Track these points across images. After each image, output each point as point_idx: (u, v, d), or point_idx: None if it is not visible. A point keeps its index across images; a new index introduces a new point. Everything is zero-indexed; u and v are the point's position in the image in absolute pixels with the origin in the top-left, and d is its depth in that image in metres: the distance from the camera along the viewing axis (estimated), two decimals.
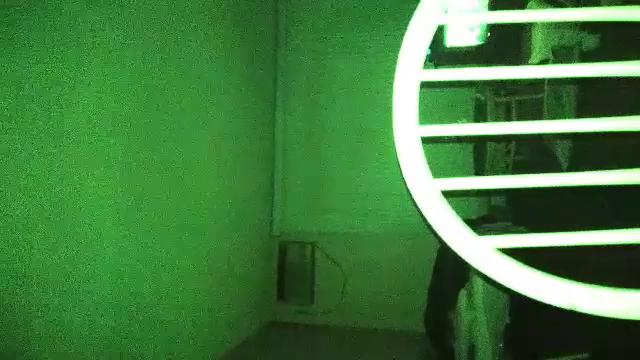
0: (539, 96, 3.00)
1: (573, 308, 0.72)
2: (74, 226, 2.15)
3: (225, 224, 3.79)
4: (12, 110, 1.83)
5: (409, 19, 0.77)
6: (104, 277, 2.34)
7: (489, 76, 0.81)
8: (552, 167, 2.78)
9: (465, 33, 3.37)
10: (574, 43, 2.53)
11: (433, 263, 3.70)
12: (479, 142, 4.00)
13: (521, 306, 2.66)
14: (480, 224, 3.37)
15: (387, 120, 0.85)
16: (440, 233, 0.78)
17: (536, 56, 2.75)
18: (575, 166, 2.64)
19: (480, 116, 4.06)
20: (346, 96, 4.91)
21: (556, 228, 0.75)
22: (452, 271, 3.05)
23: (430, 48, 0.82)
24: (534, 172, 0.76)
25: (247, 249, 4.31)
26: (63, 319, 2.08)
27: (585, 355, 2.37)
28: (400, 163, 0.79)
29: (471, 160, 4.30)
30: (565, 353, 2.45)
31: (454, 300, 2.98)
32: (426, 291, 3.78)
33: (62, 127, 2.07)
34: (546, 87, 2.81)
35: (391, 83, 0.78)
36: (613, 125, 0.74)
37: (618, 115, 0.73)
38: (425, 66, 0.78)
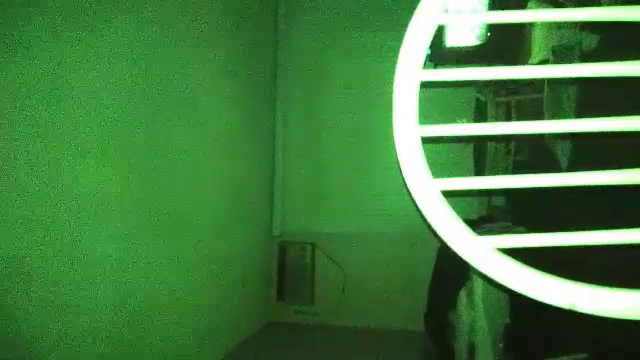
0: (539, 96, 3.00)
1: (573, 308, 0.72)
2: (74, 227, 2.15)
3: (225, 224, 3.79)
4: (13, 110, 1.83)
5: (409, 19, 0.77)
6: (104, 278, 2.34)
7: (489, 76, 0.81)
8: (552, 167, 2.78)
9: (465, 33, 3.37)
10: (574, 43, 2.53)
11: (433, 263, 3.70)
12: (479, 142, 4.00)
13: (521, 306, 2.66)
14: (480, 224, 3.37)
15: (387, 120, 0.85)
16: (440, 233, 0.78)
17: (536, 56, 2.75)
18: (575, 166, 2.64)
19: (480, 116, 4.07)
20: (346, 96, 4.91)
21: (556, 228, 0.75)
22: (452, 271, 3.04)
23: (430, 48, 0.82)
24: (534, 172, 0.76)
25: (247, 249, 4.31)
26: (63, 321, 2.08)
27: (584, 355, 2.37)
28: (400, 163, 0.79)
29: (471, 160, 4.30)
30: (565, 353, 2.45)
31: (454, 300, 2.98)
32: (426, 291, 3.78)
33: (63, 128, 2.07)
34: (546, 87, 2.81)
35: (391, 83, 0.78)
36: (613, 125, 0.74)
37: (618, 115, 0.73)
38: (425, 66, 0.79)
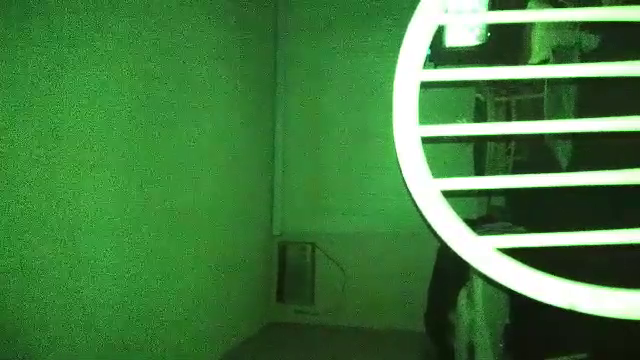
0: (539, 96, 3.00)
1: (573, 308, 0.72)
2: (74, 227, 2.15)
3: (225, 224, 3.79)
4: (11, 111, 1.83)
5: (409, 19, 0.77)
6: (104, 278, 2.34)
7: (489, 76, 0.81)
8: (552, 167, 2.78)
9: (465, 33, 3.37)
10: (574, 43, 2.52)
11: (433, 263, 3.70)
12: (479, 142, 4.00)
13: (521, 306, 2.65)
14: (480, 224, 3.37)
15: (387, 120, 0.85)
16: (440, 233, 0.78)
17: (536, 56, 2.75)
18: (575, 166, 2.64)
19: (480, 116, 4.06)
20: (346, 96, 4.91)
21: (556, 228, 0.75)
22: (452, 271, 3.04)
23: (430, 48, 0.82)
24: (534, 172, 0.76)
25: (247, 249, 4.31)
26: (63, 321, 2.08)
27: (584, 355, 2.37)
28: (400, 163, 0.79)
29: (471, 160, 4.30)
30: (565, 353, 2.45)
31: (454, 300, 2.98)
32: (426, 291, 3.78)
33: (61, 128, 2.07)
34: (546, 87, 2.81)
35: (391, 83, 0.78)
36: (613, 125, 0.74)
37: (618, 115, 0.73)
38: (425, 66, 0.79)
